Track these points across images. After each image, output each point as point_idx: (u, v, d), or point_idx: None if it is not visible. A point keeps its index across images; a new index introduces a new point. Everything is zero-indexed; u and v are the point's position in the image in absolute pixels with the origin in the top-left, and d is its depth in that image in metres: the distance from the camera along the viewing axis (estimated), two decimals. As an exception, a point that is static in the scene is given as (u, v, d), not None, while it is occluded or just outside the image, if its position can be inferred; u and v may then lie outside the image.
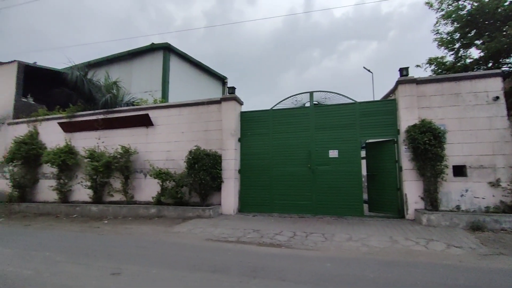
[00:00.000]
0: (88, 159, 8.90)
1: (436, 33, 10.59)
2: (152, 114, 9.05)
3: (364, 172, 7.84)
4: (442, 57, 10.43)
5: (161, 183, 8.08)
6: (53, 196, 9.78)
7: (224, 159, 7.99)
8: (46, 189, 9.95)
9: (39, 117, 10.85)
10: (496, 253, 4.26)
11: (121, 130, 9.41)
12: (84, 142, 9.78)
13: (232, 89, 8.37)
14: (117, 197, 8.96)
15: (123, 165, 8.67)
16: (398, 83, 6.96)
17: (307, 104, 7.87)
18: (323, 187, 7.38)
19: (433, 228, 5.64)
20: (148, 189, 8.66)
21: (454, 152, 6.42)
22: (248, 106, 8.26)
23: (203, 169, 7.55)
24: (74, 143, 9.93)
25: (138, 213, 7.85)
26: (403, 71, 6.92)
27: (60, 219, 8.25)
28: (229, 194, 7.83)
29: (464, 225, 5.60)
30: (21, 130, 10.85)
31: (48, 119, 10.67)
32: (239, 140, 8.27)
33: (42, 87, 12.67)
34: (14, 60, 11.94)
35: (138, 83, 14.56)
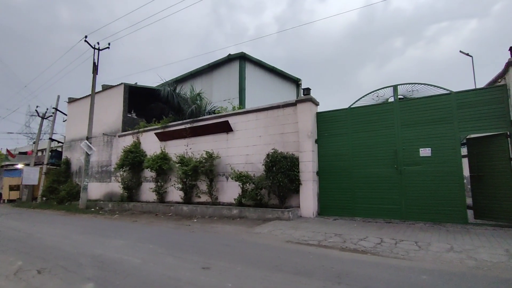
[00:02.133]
0: (178, 164, 9.97)
1: None
2: (231, 120, 9.61)
3: (466, 172, 6.74)
4: None
5: (241, 186, 8.48)
6: (152, 196, 11.27)
7: (301, 161, 7.91)
8: (147, 191, 11.53)
9: (141, 129, 12.69)
10: None
11: (205, 137, 10.27)
12: (175, 149, 11.01)
13: (307, 90, 8.26)
14: (204, 198, 9.76)
15: (208, 169, 9.42)
16: (509, 64, 5.76)
17: (391, 99, 7.19)
18: (414, 190, 6.60)
19: None
20: (230, 191, 9.19)
21: None
22: (326, 106, 8.04)
23: (281, 171, 7.63)
24: (167, 150, 11.27)
25: (222, 213, 8.39)
26: (516, 49, 5.71)
27: (159, 216, 9.43)
28: (308, 197, 7.70)
29: None
30: (128, 141, 12.87)
31: (147, 130, 12.40)
32: (316, 141, 8.08)
33: (142, 103, 14.84)
34: (121, 83, 14.30)
35: (218, 93, 15.71)
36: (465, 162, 6.62)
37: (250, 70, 15.60)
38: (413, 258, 4.22)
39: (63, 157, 17.21)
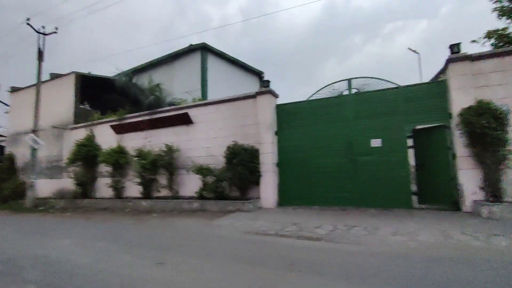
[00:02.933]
0: (137, 158, 9.55)
1: (496, 1, 9.32)
2: (191, 112, 9.39)
3: (412, 161, 7.28)
4: (504, 29, 9.17)
5: (202, 178, 8.37)
6: (109, 192, 10.71)
7: (261, 153, 7.99)
8: (103, 186, 10.93)
9: (95, 121, 11.93)
10: None
11: (164, 130, 9.94)
12: (133, 142, 10.53)
13: (266, 83, 8.31)
14: (164, 192, 9.50)
15: (167, 162, 9.15)
16: (449, 61, 6.27)
17: (345, 92, 7.50)
18: (366, 178, 7.00)
19: (496, 222, 5.01)
20: (191, 184, 9.03)
21: (520, 136, 5.62)
22: (291, 99, 8.13)
23: (241, 163, 7.65)
24: (124, 143, 10.73)
25: (183, 207, 8.24)
26: (454, 47, 6.22)
27: (115, 213, 8.99)
28: (268, 188, 7.83)
29: (535, 218, 4.90)
30: (81, 134, 12.03)
31: (102, 123, 11.68)
32: (276, 133, 8.19)
33: (96, 94, 13.91)
34: (72, 72, 13.25)
35: (180, 84, 15.22)
36: (412, 152, 7.15)
37: (212, 61, 15.30)
38: (363, 243, 4.49)
39: (6, 152, 15.65)
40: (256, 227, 5.77)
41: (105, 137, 11.37)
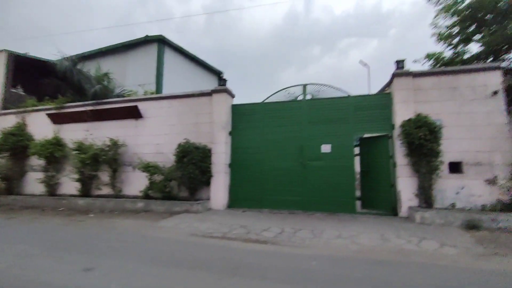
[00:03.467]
0: (76, 151, 8.66)
1: (435, 27, 10.32)
2: (142, 106, 8.80)
3: (358, 168, 7.65)
4: (440, 53, 10.18)
5: (149, 177, 7.85)
6: (40, 189, 9.54)
7: (214, 153, 7.77)
8: (34, 182, 9.71)
9: (28, 108, 10.59)
10: (492, 253, 4.05)
11: (110, 122, 9.17)
12: (73, 134, 9.52)
13: (223, 81, 8.13)
14: (106, 190, 8.73)
15: (111, 158, 8.44)
16: (394, 76, 6.72)
17: (300, 97, 7.64)
18: (315, 183, 7.17)
19: (427, 226, 5.44)
20: (136, 182, 8.42)
21: (451, 148, 6.20)
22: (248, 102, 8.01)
23: (192, 162, 7.33)
24: (63, 135, 9.67)
25: (125, 207, 7.63)
26: (399, 63, 6.69)
27: (46, 212, 8.02)
28: (219, 189, 7.62)
29: (460, 223, 5.40)
30: (10, 121, 10.58)
31: (37, 110, 10.41)
32: (230, 133, 8.03)
33: (33, 78, 12.41)
34: (3, 50, 11.65)
35: (133, 76, 14.26)
36: (358, 159, 7.51)
37: (169, 55, 14.62)
38: (308, 246, 4.52)
39: None
40: (202, 229, 5.53)
41: (40, 126, 10.14)
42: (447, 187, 6.16)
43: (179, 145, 7.63)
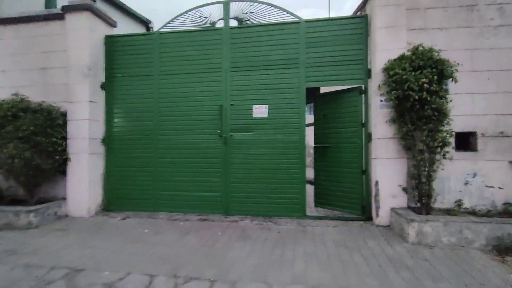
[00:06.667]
0: None
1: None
2: None
3: (311, 143, 4.98)
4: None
5: None
6: None
7: (71, 120, 4.46)
8: None
9: None
10: None
11: None
12: None
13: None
14: None
15: None
16: (374, -16, 3.88)
17: (220, 24, 4.52)
18: (242, 169, 4.33)
19: (429, 251, 2.94)
20: None
21: (458, 109, 3.68)
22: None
23: (20, 136, 3.98)
24: None
25: None
26: (385, -39, 3.82)
27: None
28: (81, 182, 4.42)
29: (484, 243, 2.99)
30: None
31: None
32: (103, 86, 4.72)
33: None
34: None
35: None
36: (311, 129, 4.79)
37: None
38: None
39: None
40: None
41: None
42: (450, 173, 3.71)
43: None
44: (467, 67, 3.72)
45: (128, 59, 4.69)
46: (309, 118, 4.53)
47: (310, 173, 4.60)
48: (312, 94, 4.76)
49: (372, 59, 3.95)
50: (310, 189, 4.58)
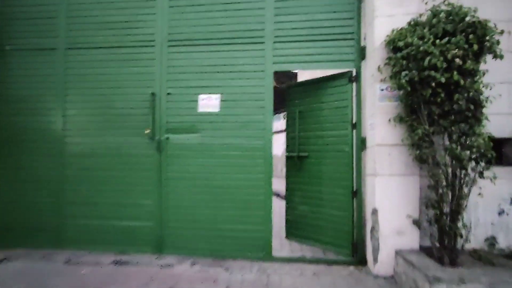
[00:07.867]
0: None
1: None
2: None
3: (281, 150, 3.72)
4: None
5: None
6: None
7: None
8: None
9: None
10: None
11: None
12: None
13: None
14: None
15: None
16: None
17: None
18: (183, 187, 3.00)
19: None
20: None
21: (492, 106, 2.51)
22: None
23: None
24: None
25: None
26: None
27: None
28: None
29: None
30: None
31: None
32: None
33: None
34: None
35: None
36: (281, 133, 3.54)
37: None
38: None
39: None
40: None
41: None
42: (477, 198, 2.54)
43: None
44: (502, 45, 2.59)
45: (22, 24, 3.27)
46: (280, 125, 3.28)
47: (279, 185, 3.33)
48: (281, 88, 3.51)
49: (368, 31, 2.75)
50: (278, 207, 3.31)
